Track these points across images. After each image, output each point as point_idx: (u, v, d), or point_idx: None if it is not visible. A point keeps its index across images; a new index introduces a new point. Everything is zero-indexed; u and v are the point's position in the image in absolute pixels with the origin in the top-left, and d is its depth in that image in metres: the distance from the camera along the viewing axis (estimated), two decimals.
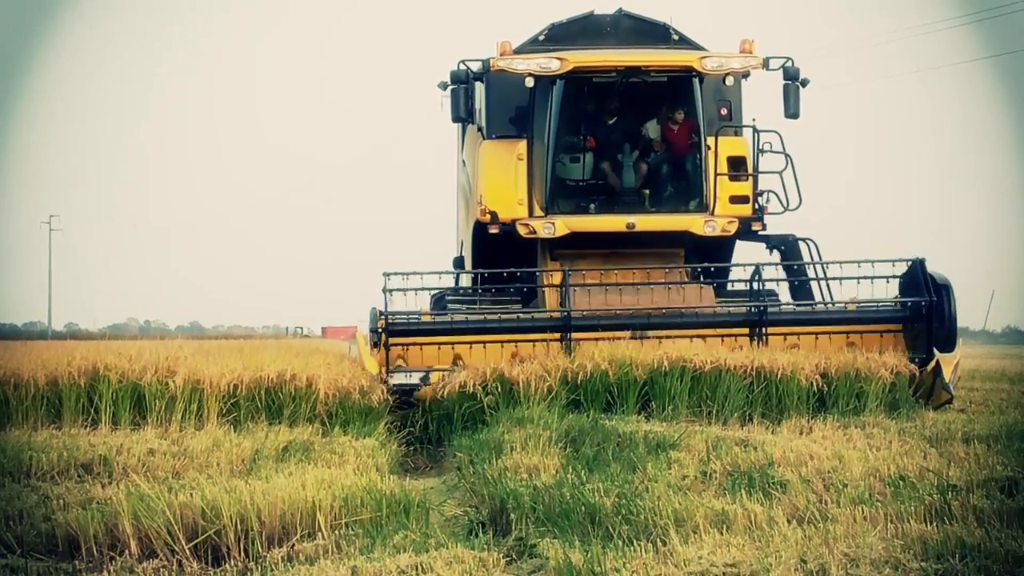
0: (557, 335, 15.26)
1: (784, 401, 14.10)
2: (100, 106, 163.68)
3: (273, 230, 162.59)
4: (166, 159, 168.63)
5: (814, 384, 14.20)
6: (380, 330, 15.20)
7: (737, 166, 17.50)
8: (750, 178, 17.44)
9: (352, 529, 7.96)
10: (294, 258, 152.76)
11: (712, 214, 17.05)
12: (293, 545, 7.72)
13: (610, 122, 17.49)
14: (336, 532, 7.90)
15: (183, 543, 7.78)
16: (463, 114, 17.31)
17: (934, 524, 7.30)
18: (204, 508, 7.93)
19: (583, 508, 7.95)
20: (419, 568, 6.96)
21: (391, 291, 15.28)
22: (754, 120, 17.52)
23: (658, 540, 7.19)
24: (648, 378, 14.09)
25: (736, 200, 17.39)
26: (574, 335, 15.19)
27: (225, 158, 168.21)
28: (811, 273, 17.16)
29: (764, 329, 15.46)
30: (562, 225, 16.92)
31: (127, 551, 7.80)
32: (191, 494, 8.20)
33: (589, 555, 6.85)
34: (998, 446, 10.15)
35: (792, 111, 17.05)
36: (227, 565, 7.62)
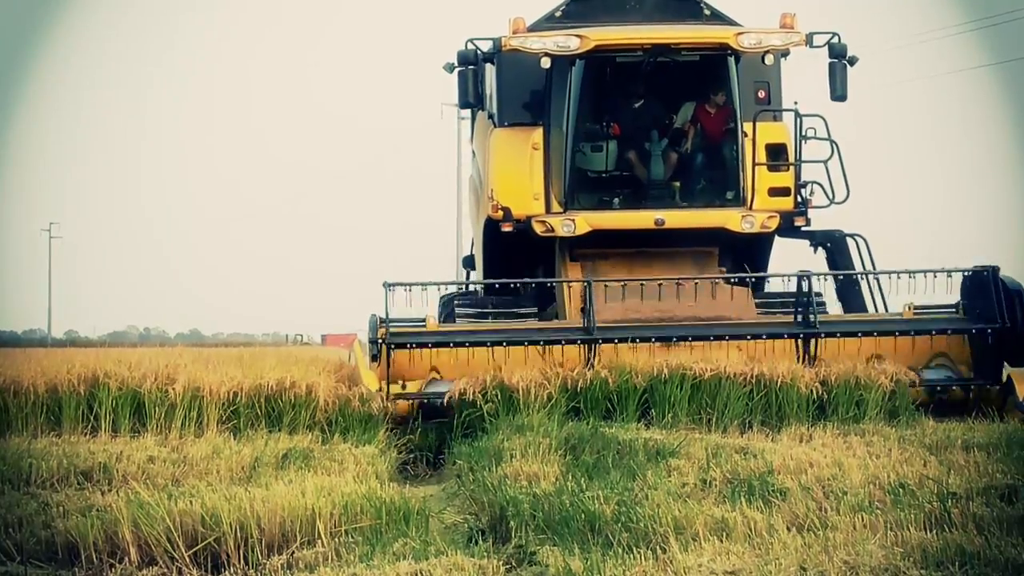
0: (579, 347, 14.01)
1: (784, 409, 13.79)
2: (100, 113, 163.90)
3: (272, 237, 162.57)
4: (166, 166, 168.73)
5: (814, 392, 13.84)
6: (380, 340, 13.95)
7: (777, 155, 16.00)
8: (792, 168, 15.88)
9: (352, 536, 7.96)
10: (294, 265, 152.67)
11: (750, 208, 15.54)
12: (293, 552, 7.72)
13: (636, 106, 15.99)
14: (336, 539, 7.90)
15: (183, 550, 7.77)
16: (472, 99, 15.81)
17: (934, 532, 7.30)
18: (204, 515, 7.93)
19: (583, 515, 7.94)
20: (419, 575, 6.96)
21: (392, 286, 13.85)
22: (796, 103, 15.90)
23: (658, 548, 7.19)
24: (648, 385, 13.86)
25: (776, 192, 15.89)
26: (598, 347, 13.89)
27: (225, 165, 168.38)
28: (861, 276, 15.77)
29: (815, 342, 14.08)
30: (583, 222, 15.36)
31: (127, 558, 7.80)
32: (191, 501, 8.20)
33: (589, 562, 6.85)
34: (998, 454, 10.14)
35: (839, 92, 15.45)
36: (227, 573, 7.62)
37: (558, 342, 14.11)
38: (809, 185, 16.02)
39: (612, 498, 8.33)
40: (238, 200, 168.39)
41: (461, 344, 14.09)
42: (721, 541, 7.31)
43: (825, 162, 15.77)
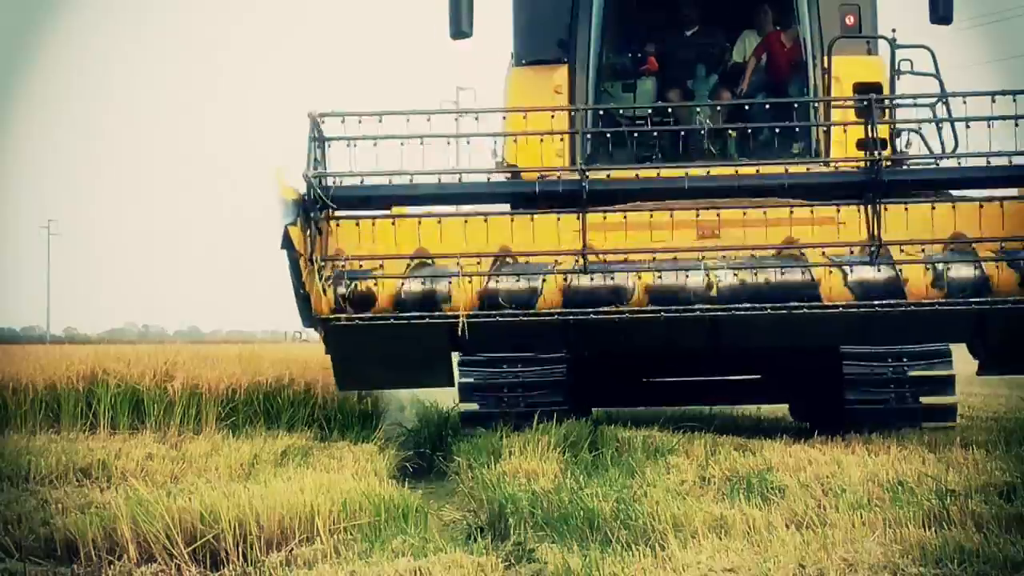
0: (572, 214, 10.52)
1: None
2: (99, 111, 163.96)
3: (272, 235, 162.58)
4: (165, 164, 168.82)
5: None
6: (311, 200, 10.48)
7: None
8: (887, 113, 12.20)
9: (351, 534, 7.96)
10: None
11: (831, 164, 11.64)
12: (292, 550, 7.71)
13: (687, 34, 12.90)
14: (335, 537, 7.89)
15: (182, 548, 7.77)
16: (464, 27, 12.48)
17: (932, 529, 7.30)
18: (203, 513, 7.92)
19: (582, 513, 7.94)
20: (418, 573, 6.96)
21: (325, 139, 10.59)
22: (893, 31, 12.28)
23: (656, 545, 7.19)
24: None
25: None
26: (591, 213, 10.50)
27: (224, 163, 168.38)
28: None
29: (880, 197, 10.27)
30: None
31: (126, 556, 7.78)
32: (190, 499, 8.19)
33: (587, 560, 6.84)
34: (997, 451, 10.15)
35: (942, 13, 12.23)
36: (226, 570, 7.61)
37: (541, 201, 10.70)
38: (906, 135, 12.76)
39: (611, 496, 8.33)
40: (237, 197, 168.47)
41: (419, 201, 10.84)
42: (720, 539, 7.30)
43: (932, 106, 12.02)
